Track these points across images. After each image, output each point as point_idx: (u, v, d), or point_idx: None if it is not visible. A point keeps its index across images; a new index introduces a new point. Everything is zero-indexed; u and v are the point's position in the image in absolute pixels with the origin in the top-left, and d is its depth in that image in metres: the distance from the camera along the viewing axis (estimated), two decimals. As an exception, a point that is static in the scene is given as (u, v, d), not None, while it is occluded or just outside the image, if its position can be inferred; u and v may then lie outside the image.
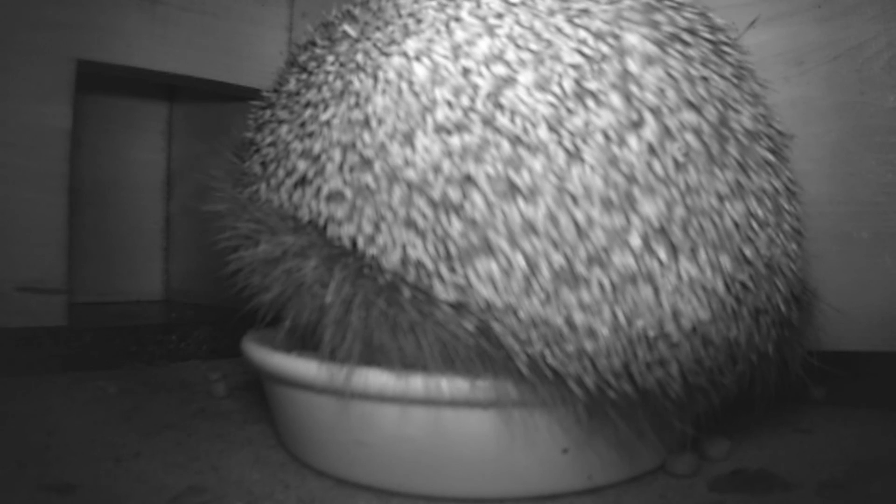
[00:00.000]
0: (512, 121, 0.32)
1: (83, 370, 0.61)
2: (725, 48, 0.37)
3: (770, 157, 0.36)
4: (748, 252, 0.34)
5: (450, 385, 0.34)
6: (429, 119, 0.33)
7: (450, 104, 0.33)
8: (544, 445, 0.35)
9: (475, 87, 0.33)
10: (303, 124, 0.37)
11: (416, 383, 0.34)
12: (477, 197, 0.32)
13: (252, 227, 0.38)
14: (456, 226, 0.32)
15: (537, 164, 0.32)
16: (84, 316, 0.71)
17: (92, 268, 0.83)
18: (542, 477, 0.36)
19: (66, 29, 0.62)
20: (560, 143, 0.32)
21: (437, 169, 0.33)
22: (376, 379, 0.34)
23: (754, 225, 0.34)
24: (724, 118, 0.34)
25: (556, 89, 0.33)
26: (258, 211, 0.38)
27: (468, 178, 0.32)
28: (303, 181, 0.37)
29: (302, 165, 0.37)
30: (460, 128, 0.33)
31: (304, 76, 0.39)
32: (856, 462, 0.41)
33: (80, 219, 0.74)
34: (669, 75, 0.34)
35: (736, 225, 0.34)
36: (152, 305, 0.87)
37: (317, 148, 0.36)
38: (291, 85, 0.39)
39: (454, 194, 0.33)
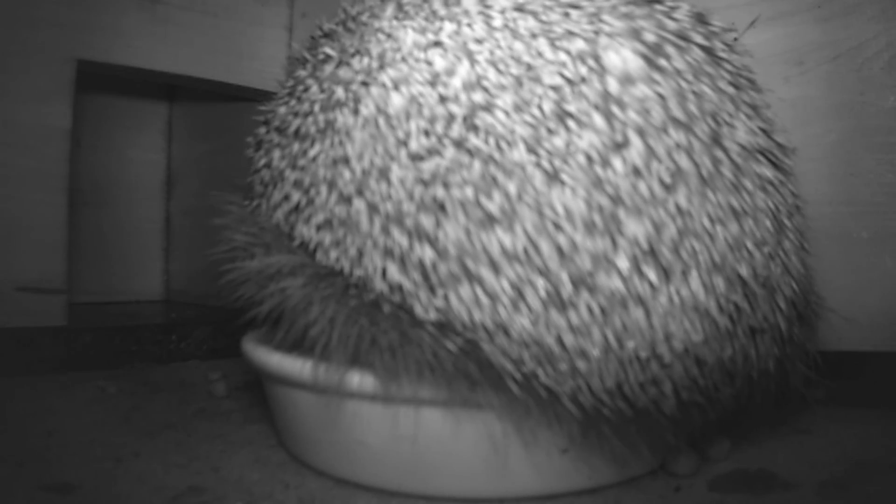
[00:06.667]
0: (486, 141, 0.32)
1: (83, 370, 0.61)
2: (722, 55, 0.35)
3: (769, 172, 0.35)
4: (743, 272, 0.33)
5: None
6: (402, 150, 0.33)
7: (426, 133, 0.33)
8: (544, 446, 0.35)
9: (451, 115, 0.33)
10: (293, 154, 0.38)
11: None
12: (449, 226, 0.32)
13: (248, 241, 0.39)
14: (429, 254, 0.32)
15: (512, 186, 0.31)
16: (84, 316, 0.71)
17: (91, 268, 0.83)
18: (541, 477, 0.36)
19: (66, 29, 0.62)
20: (538, 165, 0.31)
21: (410, 197, 0.33)
22: (374, 380, 0.34)
23: (750, 245, 0.33)
24: (716, 135, 0.33)
25: (536, 111, 0.32)
26: (254, 225, 0.39)
27: (436, 201, 0.32)
28: (296, 209, 0.37)
29: (295, 196, 0.37)
30: (432, 152, 0.33)
31: (292, 103, 0.39)
32: (856, 462, 0.41)
33: (79, 219, 0.74)
34: (656, 93, 0.32)
35: (730, 246, 0.33)
36: (152, 305, 0.87)
37: (306, 181, 0.37)
38: (282, 110, 0.40)
39: (427, 222, 0.32)
